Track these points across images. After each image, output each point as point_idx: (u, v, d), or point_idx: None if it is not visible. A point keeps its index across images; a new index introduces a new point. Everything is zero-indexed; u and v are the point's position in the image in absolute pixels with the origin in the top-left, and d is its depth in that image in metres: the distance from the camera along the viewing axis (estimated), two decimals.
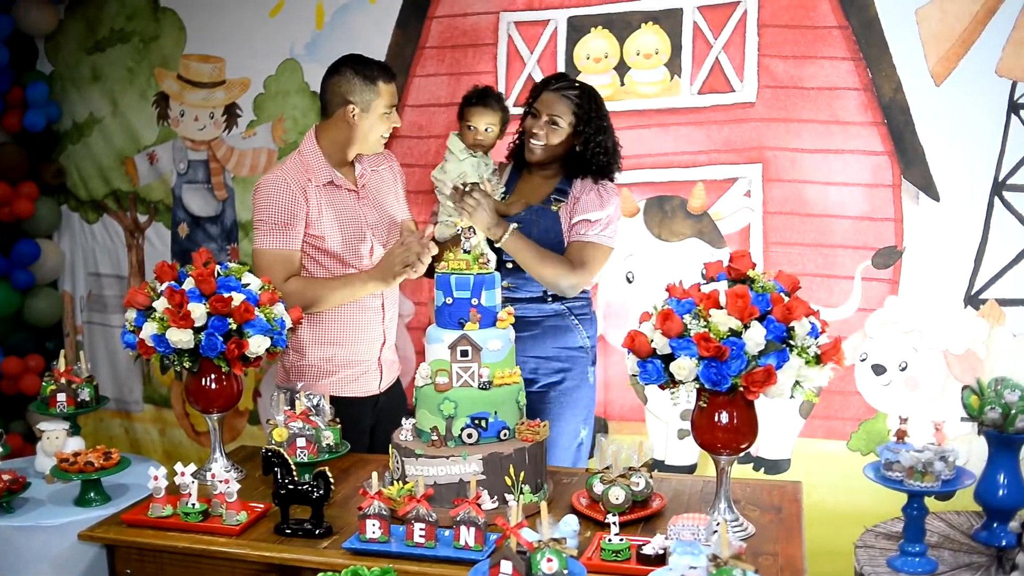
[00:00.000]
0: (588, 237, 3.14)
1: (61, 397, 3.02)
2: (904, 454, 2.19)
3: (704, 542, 1.89)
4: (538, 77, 3.80)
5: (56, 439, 2.95)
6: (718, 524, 1.84)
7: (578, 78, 3.69)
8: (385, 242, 3.22)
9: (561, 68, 3.79)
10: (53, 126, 4.63)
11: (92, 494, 2.79)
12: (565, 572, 1.89)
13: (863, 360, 3.54)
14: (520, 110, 3.33)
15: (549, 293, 3.19)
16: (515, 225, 3.09)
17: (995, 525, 2.53)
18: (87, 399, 3.08)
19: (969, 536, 2.57)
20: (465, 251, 2.62)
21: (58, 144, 4.66)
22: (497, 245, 3.07)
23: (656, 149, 3.70)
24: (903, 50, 3.39)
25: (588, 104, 3.17)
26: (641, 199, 3.73)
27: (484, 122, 3.25)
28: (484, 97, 3.27)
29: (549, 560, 1.89)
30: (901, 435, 2.28)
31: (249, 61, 4.25)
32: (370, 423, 3.23)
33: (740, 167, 3.62)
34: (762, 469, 3.71)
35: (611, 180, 3.25)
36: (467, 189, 3.05)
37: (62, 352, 3.13)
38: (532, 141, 3.18)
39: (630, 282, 3.77)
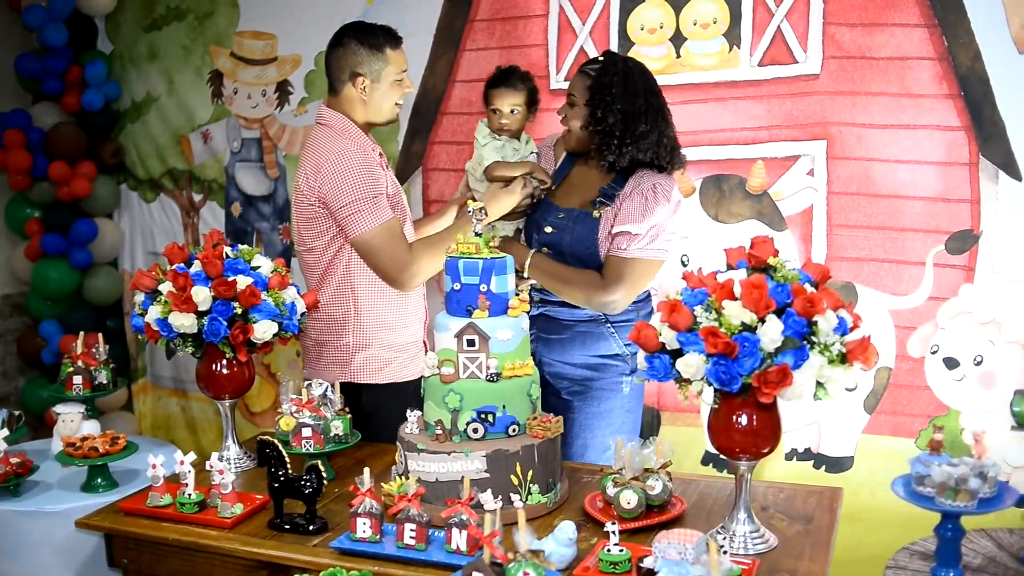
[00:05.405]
0: (630, 253, 2.78)
1: (77, 380, 2.97)
2: (936, 468, 1.93)
3: (692, 561, 1.70)
4: (590, 50, 3.64)
5: (71, 422, 2.90)
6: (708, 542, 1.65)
7: (632, 50, 3.53)
8: None
9: (614, 40, 3.60)
10: (112, 105, 4.62)
11: (99, 480, 2.74)
12: None
13: (934, 353, 3.28)
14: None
15: None
16: (533, 252, 2.92)
17: None
18: (104, 382, 3.03)
19: (1018, 559, 2.29)
20: (476, 234, 2.46)
21: (117, 123, 4.66)
22: (524, 274, 2.90)
23: (713, 125, 3.49)
24: (982, 15, 3.10)
25: (606, 80, 2.79)
26: (697, 178, 3.52)
27: (508, 103, 3.03)
28: (506, 76, 3.07)
29: (526, 574, 1.74)
30: (935, 446, 2.01)
31: (300, 37, 4.17)
32: None
33: (803, 144, 3.38)
34: (823, 467, 3.48)
35: (673, 168, 2.88)
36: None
37: (80, 334, 3.08)
38: (561, 125, 2.98)
39: (685, 265, 3.56)
